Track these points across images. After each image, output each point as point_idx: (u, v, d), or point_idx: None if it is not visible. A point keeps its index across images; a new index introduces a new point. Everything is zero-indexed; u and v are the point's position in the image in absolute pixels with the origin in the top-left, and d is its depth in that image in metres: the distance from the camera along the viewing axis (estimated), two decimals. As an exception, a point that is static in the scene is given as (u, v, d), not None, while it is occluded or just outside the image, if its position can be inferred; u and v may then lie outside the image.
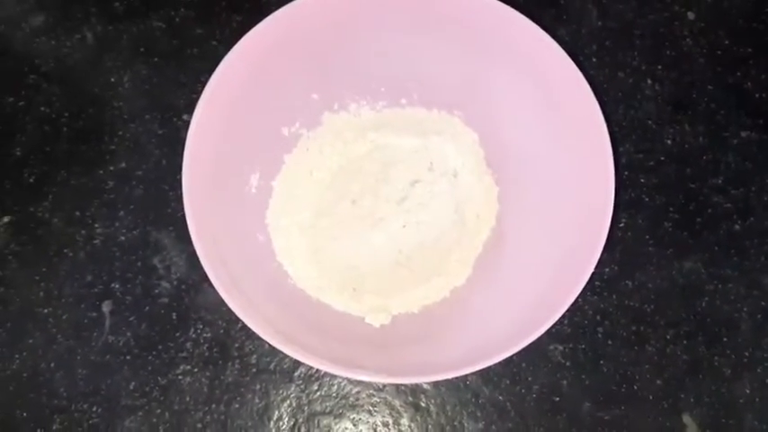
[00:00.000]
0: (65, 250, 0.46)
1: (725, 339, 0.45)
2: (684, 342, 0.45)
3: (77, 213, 0.46)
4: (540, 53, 0.39)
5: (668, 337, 0.45)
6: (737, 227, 0.47)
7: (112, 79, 0.49)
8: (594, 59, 0.50)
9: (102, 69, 0.49)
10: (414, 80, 0.45)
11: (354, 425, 0.43)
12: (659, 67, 0.50)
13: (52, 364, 0.44)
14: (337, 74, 0.44)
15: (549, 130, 0.40)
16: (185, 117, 0.48)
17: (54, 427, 0.43)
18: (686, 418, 0.43)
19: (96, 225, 0.46)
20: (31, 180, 0.47)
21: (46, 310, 0.44)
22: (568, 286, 0.35)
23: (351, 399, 0.44)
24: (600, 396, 0.44)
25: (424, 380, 0.37)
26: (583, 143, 0.38)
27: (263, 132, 0.43)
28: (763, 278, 0.46)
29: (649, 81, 0.50)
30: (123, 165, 0.47)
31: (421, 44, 0.42)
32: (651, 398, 0.44)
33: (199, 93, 0.38)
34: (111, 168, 0.47)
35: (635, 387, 0.44)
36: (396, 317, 0.42)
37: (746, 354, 0.45)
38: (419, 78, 0.45)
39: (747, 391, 0.44)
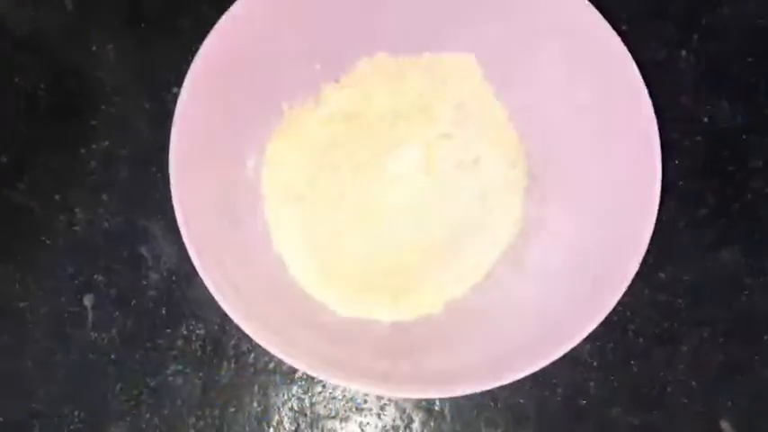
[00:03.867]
0: (42, 238, 0.42)
1: (765, 338, 0.42)
2: (721, 341, 0.42)
3: (56, 197, 0.43)
4: (579, 23, 0.35)
5: (704, 335, 0.42)
6: (780, 214, 0.43)
7: (94, 48, 0.45)
8: (625, 27, 0.45)
9: (83, 37, 0.45)
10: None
11: (362, 429, 0.40)
12: (694, 36, 0.46)
13: (29, 364, 0.40)
14: (341, 41, 0.39)
15: (585, 111, 0.37)
16: (175, 91, 0.43)
17: (33, 433, 0.39)
18: (723, 424, 0.41)
19: (77, 210, 0.42)
20: (4, 160, 0.43)
21: (22, 305, 0.41)
22: (605, 292, 0.32)
23: (358, 401, 0.40)
24: (630, 399, 0.41)
25: (438, 395, 0.33)
26: (624, 126, 0.35)
27: (260, 108, 0.39)
28: (808, 270, 0.42)
29: (684, 52, 0.46)
30: (107, 143, 0.43)
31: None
32: (685, 401, 0.41)
33: (190, 63, 0.34)
34: (94, 147, 0.43)
35: (668, 390, 0.41)
36: (407, 318, 0.38)
37: (789, 353, 0.41)
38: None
39: (789, 394, 0.41)
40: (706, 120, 0.45)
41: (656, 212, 0.33)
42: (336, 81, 0.41)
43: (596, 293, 0.33)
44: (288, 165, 0.39)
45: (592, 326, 0.31)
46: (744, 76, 0.46)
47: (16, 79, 0.44)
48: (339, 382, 0.31)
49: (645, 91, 0.34)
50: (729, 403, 0.41)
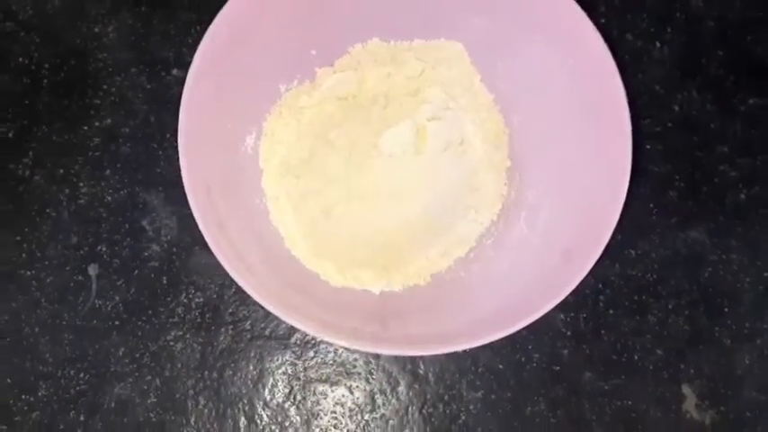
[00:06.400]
0: (47, 210, 0.43)
1: (726, 310, 0.44)
2: (686, 312, 0.44)
3: (60, 171, 0.44)
4: (558, 14, 0.38)
5: (670, 307, 0.44)
6: (743, 196, 0.46)
7: (96, 29, 0.46)
8: (603, 20, 0.48)
9: (85, 18, 0.46)
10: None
11: (351, 392, 0.42)
12: (668, 29, 0.48)
13: (36, 329, 0.42)
14: (336, 28, 0.41)
15: (564, 97, 0.39)
16: (175, 71, 0.45)
17: (40, 394, 0.41)
18: (685, 389, 0.43)
19: (81, 184, 0.44)
20: (10, 135, 0.44)
21: (29, 273, 0.43)
22: (576, 264, 0.35)
23: (347, 366, 0.43)
24: (600, 366, 0.43)
25: (422, 352, 0.36)
26: (599, 111, 0.37)
27: (259, 89, 0.41)
28: (767, 249, 0.45)
29: (658, 44, 0.48)
30: (109, 121, 0.45)
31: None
32: (651, 368, 0.43)
33: (189, 45, 0.36)
34: (97, 124, 0.45)
35: (635, 357, 0.43)
36: (395, 286, 0.41)
37: (747, 325, 0.44)
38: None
39: (747, 362, 0.44)
40: (677, 108, 0.47)
41: (624, 196, 0.36)
42: (331, 65, 0.43)
43: (567, 268, 0.36)
44: (284, 142, 0.41)
45: (560, 296, 0.34)
46: (713, 67, 0.48)
47: (20, 58, 0.45)
48: (333, 341, 0.33)
49: (621, 85, 0.37)
50: (692, 370, 0.43)
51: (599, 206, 0.36)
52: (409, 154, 0.41)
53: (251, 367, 0.42)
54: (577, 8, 0.37)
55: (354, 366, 0.43)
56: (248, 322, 0.43)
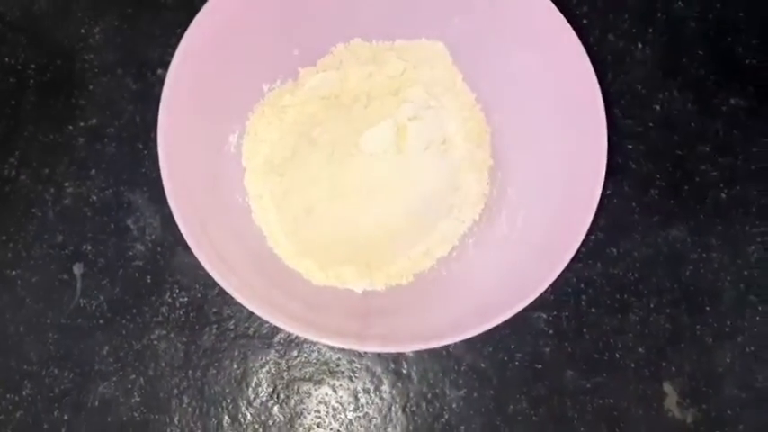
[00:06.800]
0: (33, 210, 0.44)
1: (707, 308, 0.45)
2: (667, 311, 0.44)
3: (46, 171, 0.44)
4: (536, 16, 0.38)
5: (652, 305, 0.44)
6: (723, 195, 0.46)
7: (82, 30, 0.46)
8: (585, 21, 0.49)
9: (72, 19, 0.46)
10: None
11: (335, 391, 0.43)
12: (650, 30, 0.49)
13: (21, 328, 0.42)
14: (319, 28, 0.42)
15: (543, 97, 0.40)
16: (160, 72, 0.46)
17: (24, 393, 0.41)
18: (667, 387, 0.43)
19: (66, 184, 0.44)
20: (-4, 136, 0.45)
21: (14, 272, 0.43)
22: (554, 259, 0.35)
23: (331, 365, 0.43)
24: (582, 364, 0.43)
25: (404, 348, 0.36)
26: (576, 110, 0.38)
27: (241, 88, 0.41)
28: (747, 247, 0.46)
29: (640, 45, 0.49)
30: (94, 121, 0.45)
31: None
32: (633, 366, 0.44)
33: (174, 46, 0.36)
34: (82, 124, 0.45)
35: (617, 355, 0.44)
36: (378, 286, 0.41)
37: (728, 323, 0.44)
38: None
39: (727, 360, 0.44)
40: (658, 108, 0.48)
41: (599, 194, 0.36)
42: (314, 64, 0.43)
43: (545, 266, 0.36)
44: (267, 141, 0.42)
45: (536, 293, 0.35)
46: (695, 67, 0.48)
47: (7, 58, 0.46)
48: (317, 340, 0.34)
49: (596, 84, 0.37)
50: (673, 368, 0.44)
51: (576, 204, 0.36)
52: (390, 153, 0.41)
53: (235, 366, 0.43)
54: (554, 9, 0.38)
55: (338, 365, 0.43)
56: (232, 321, 0.43)
